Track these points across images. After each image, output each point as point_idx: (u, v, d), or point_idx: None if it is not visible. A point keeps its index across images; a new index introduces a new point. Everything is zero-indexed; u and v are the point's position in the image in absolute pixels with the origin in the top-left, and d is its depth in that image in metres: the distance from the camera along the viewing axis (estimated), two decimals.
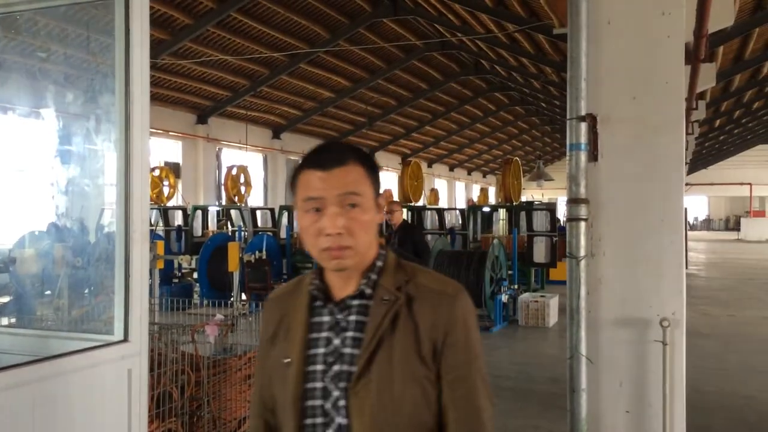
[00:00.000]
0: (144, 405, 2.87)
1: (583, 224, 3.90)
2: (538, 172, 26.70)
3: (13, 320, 3.79)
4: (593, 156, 3.91)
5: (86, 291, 3.46)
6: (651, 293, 3.80)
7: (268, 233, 13.54)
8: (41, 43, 3.96)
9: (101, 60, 3.17)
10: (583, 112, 3.88)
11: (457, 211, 14.24)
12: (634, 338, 3.83)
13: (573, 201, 3.91)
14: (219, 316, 4.28)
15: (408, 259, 3.42)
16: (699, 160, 35.92)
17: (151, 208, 15.46)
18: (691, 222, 46.55)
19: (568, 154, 3.98)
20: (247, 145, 22.13)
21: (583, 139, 3.90)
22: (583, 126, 3.89)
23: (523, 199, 15.39)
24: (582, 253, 3.89)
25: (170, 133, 19.46)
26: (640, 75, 3.86)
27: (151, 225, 14.43)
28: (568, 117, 3.98)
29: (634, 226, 3.84)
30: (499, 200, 13.68)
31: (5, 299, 4.07)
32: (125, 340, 2.79)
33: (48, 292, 4.10)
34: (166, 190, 15.79)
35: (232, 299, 8.75)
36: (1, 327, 3.22)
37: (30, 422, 2.38)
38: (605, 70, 3.90)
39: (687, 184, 28.72)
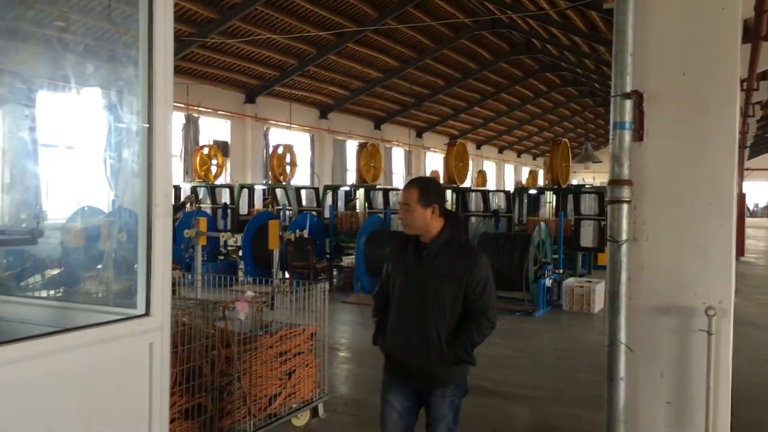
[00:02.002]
0: (165, 379, 2.87)
1: (625, 207, 3.73)
2: (586, 153, 25.99)
3: (45, 292, 3.85)
4: (638, 135, 3.72)
5: (117, 270, 3.48)
6: (697, 280, 3.61)
7: (312, 212, 13.57)
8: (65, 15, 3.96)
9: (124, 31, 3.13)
10: (628, 89, 3.69)
11: (503, 194, 13.95)
12: (678, 327, 3.66)
13: (615, 182, 3.73)
14: (249, 293, 4.27)
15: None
16: (761, 144, 34.41)
17: (199, 186, 15.70)
18: (751, 208, 44.72)
19: (611, 132, 3.80)
20: (294, 124, 22.22)
21: (628, 117, 3.71)
22: (628, 103, 3.70)
23: (573, 182, 14.99)
24: (624, 236, 3.72)
25: (219, 112, 19.67)
26: (691, 50, 3.63)
27: (198, 202, 14.68)
28: (612, 94, 3.79)
29: (680, 209, 3.65)
30: (547, 183, 13.36)
31: (40, 273, 4.14)
32: (147, 314, 2.77)
33: (83, 267, 4.15)
34: (213, 169, 15.99)
35: (272, 278, 8.82)
36: (27, 298, 3.25)
37: (48, 394, 2.39)
38: (653, 45, 3.69)
39: (747, 169, 27.52)
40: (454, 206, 12.94)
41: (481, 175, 26.11)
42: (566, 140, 13.42)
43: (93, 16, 4.40)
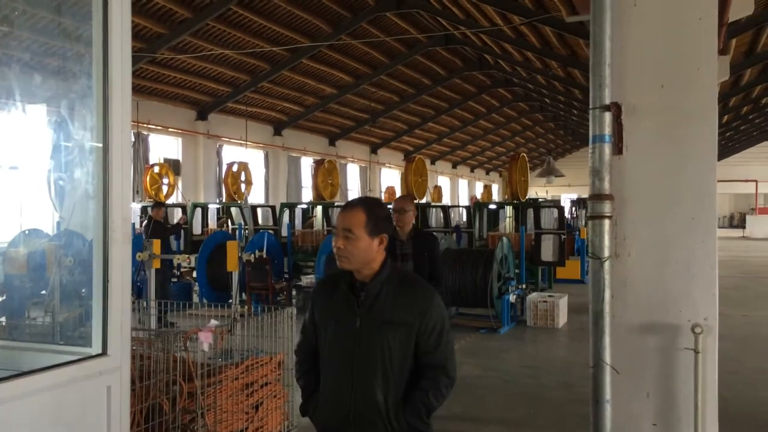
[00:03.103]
0: (125, 424, 2.58)
1: (606, 222, 3.60)
2: (549, 167, 26.28)
3: None
4: (618, 148, 3.61)
5: (64, 298, 3.18)
6: (681, 297, 3.50)
7: (269, 231, 13.23)
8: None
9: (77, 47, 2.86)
10: (607, 101, 3.58)
11: (463, 209, 13.90)
12: (663, 345, 3.53)
13: (596, 197, 3.60)
14: (213, 322, 3.98)
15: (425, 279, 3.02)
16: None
17: (149, 206, 15.15)
18: None
19: (590, 146, 3.68)
20: (247, 141, 21.82)
21: (607, 130, 3.59)
22: (607, 116, 3.59)
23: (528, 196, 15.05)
24: (606, 253, 3.58)
25: (170, 129, 19.16)
26: (669, 61, 3.55)
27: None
28: (591, 106, 3.68)
29: (662, 224, 3.54)
30: (506, 197, 13.36)
31: None
32: (104, 353, 2.49)
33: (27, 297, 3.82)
34: (165, 188, 15.49)
35: (231, 300, 8.48)
36: None
37: None
38: (630, 56, 3.59)
39: None
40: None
41: (437, 191, 26.15)
42: (524, 154, 13.47)
43: (40, 29, 4.09)
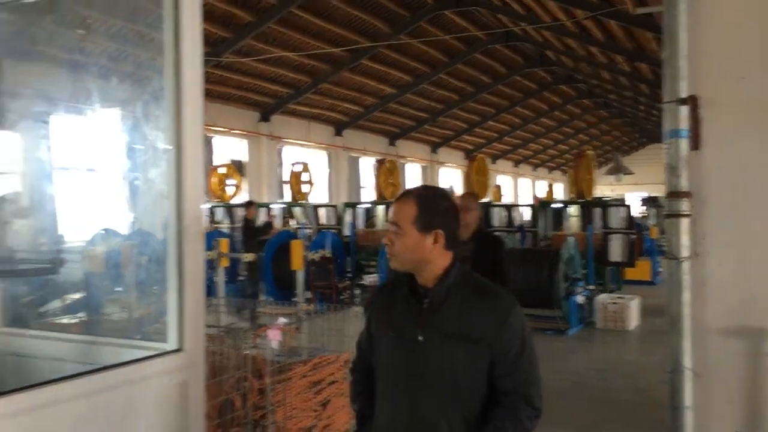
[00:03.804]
0: (200, 419, 2.63)
1: (684, 221, 3.45)
2: (617, 165, 25.47)
3: (69, 322, 3.64)
4: (695, 143, 3.45)
5: (141, 295, 3.27)
6: (766, 299, 3.33)
7: (332, 231, 13.35)
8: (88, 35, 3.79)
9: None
10: (683, 94, 3.43)
11: (526, 208, 13.68)
12: (747, 349, 3.36)
13: (673, 194, 3.46)
14: (282, 320, 4.03)
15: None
16: None
17: (216, 206, 15.55)
18: None
19: (665, 141, 3.54)
20: (309, 142, 22.07)
21: (684, 124, 3.45)
22: (683, 110, 3.44)
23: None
24: (684, 253, 3.44)
25: (234, 131, 19.58)
26: (750, 51, 3.38)
27: (216, 222, 14.51)
28: (665, 100, 3.53)
29: (744, 221, 3.37)
30: (571, 196, 13.06)
31: (58, 301, 3.93)
32: (180, 349, 2.54)
33: (108, 295, 3.95)
34: (231, 189, 15.85)
35: (296, 299, 8.59)
36: (55, 333, 3.03)
37: None
38: (707, 48, 3.44)
39: None
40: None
41: (497, 190, 25.83)
42: (590, 152, 13.15)
43: (114, 35, 4.23)
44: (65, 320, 3.85)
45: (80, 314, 3.92)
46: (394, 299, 2.18)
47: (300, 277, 8.12)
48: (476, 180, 12.90)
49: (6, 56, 3.27)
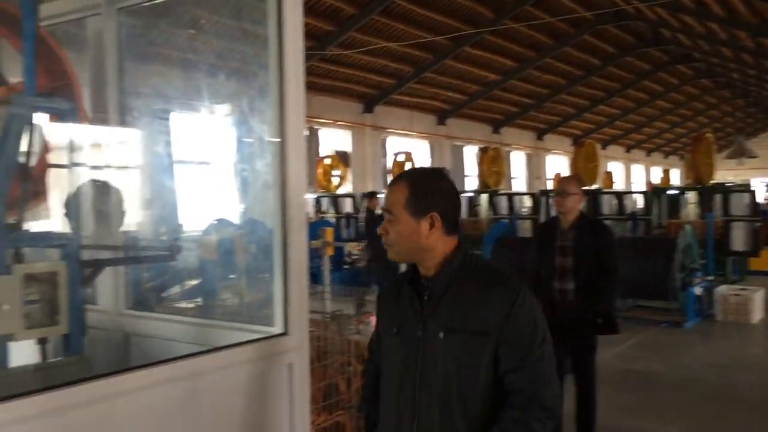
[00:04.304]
0: (306, 401, 2.72)
1: None
2: (740, 148, 23.67)
3: (186, 306, 3.87)
4: None
5: (251, 281, 3.42)
6: None
7: None
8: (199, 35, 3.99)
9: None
10: None
11: (639, 195, 13.06)
12: None
13: None
14: None
15: (587, 280, 2.80)
16: None
17: (322, 196, 15.97)
18: None
19: None
20: (412, 132, 22.14)
21: None
22: None
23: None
24: None
25: (339, 123, 19.98)
26: None
27: (322, 212, 14.90)
28: None
29: None
30: (688, 182, 12.35)
31: (175, 287, 4.17)
32: (285, 333, 2.64)
33: (220, 281, 4.15)
34: (336, 179, 16.21)
35: None
36: (173, 316, 3.24)
37: (185, 417, 2.29)
38: None
39: None
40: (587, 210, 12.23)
41: (607, 177, 24.84)
42: (710, 135, 12.36)
43: (221, 34, 4.42)
44: (182, 304, 4.10)
45: (195, 299, 4.15)
46: (402, 294, 1.99)
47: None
48: (584, 167, 12.47)
49: (128, 58, 3.49)
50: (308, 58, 16.28)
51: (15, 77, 3.02)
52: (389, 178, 18.04)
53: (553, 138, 30.40)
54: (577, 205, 4.47)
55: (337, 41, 16.22)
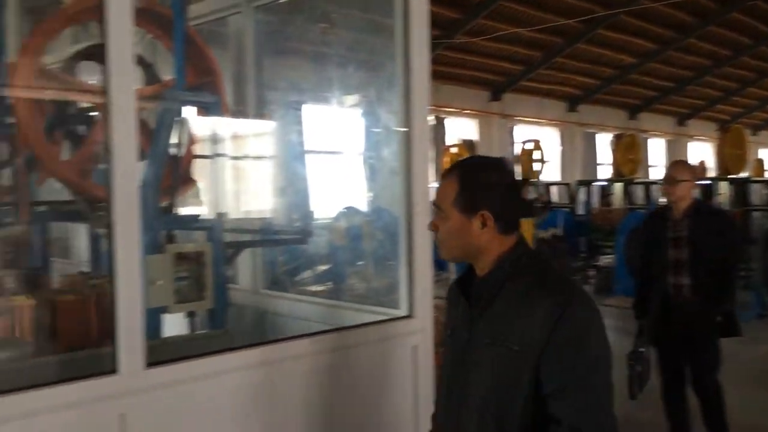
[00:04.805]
0: (429, 382, 2.79)
1: None
2: None
3: (317, 288, 4.07)
4: None
5: (378, 266, 3.54)
6: None
7: (564, 209, 12.99)
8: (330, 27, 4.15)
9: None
10: None
11: None
12: None
13: None
14: None
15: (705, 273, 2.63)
16: None
17: None
18: None
19: None
20: (541, 119, 21.60)
21: None
22: None
23: None
24: None
25: (466, 111, 19.88)
26: None
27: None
28: None
29: None
30: None
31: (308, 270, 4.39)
32: (410, 315, 2.73)
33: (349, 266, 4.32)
34: None
35: None
36: (299, 295, 3.44)
37: (320, 387, 2.44)
38: None
39: None
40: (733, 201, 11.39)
41: (759, 164, 22.90)
42: None
43: (351, 27, 4.57)
44: (314, 287, 4.32)
45: (326, 283, 4.36)
46: (460, 295, 1.79)
47: None
48: (731, 154, 11.60)
49: (265, 53, 3.72)
50: (435, 47, 16.31)
51: (167, 75, 3.31)
52: (518, 167, 17.69)
53: (697, 123, 28.44)
54: (687, 192, 4.11)
55: (464, 29, 16.12)
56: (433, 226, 1.76)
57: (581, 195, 14.34)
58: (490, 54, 18.49)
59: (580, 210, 13.27)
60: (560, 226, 10.91)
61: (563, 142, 23.11)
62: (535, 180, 15.00)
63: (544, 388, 1.56)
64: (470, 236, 1.68)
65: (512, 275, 1.65)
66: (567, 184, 15.84)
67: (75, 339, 2.50)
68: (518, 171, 15.32)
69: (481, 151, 20.24)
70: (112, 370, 1.95)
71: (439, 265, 9.51)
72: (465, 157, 1.88)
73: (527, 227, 7.95)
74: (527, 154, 14.76)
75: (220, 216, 3.07)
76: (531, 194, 11.37)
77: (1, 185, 4.05)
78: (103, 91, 2.01)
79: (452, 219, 1.69)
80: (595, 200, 14.77)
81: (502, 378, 1.61)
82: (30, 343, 2.42)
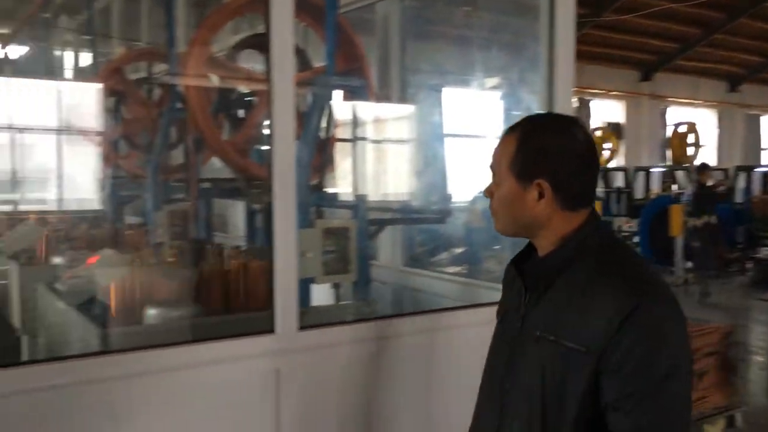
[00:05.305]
0: None
1: None
2: None
3: (452, 269, 4.16)
4: None
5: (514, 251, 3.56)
6: None
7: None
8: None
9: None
10: None
11: None
12: None
13: None
14: None
15: None
16: None
17: None
18: None
19: None
20: (697, 100, 20.16)
21: None
22: None
23: None
24: None
25: (612, 93, 19.00)
26: None
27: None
28: None
29: None
30: None
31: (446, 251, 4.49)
32: None
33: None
34: (606, 153, 15.55)
35: (674, 267, 8.13)
36: (437, 273, 3.55)
37: (448, 359, 2.54)
38: None
39: None
40: None
41: None
42: None
43: (495, 8, 4.57)
44: (450, 268, 4.42)
45: (462, 263, 4.44)
46: (516, 276, 1.52)
47: (678, 244, 7.66)
48: None
49: (409, 37, 3.83)
50: (581, 26, 15.71)
51: (317, 62, 3.53)
52: (668, 153, 16.78)
53: None
54: None
55: (614, 6, 15.37)
56: (487, 192, 1.49)
57: (740, 182, 13.30)
58: (640, 31, 17.48)
59: (739, 198, 12.32)
60: (715, 214, 10.20)
61: (721, 125, 21.44)
62: (688, 165, 14.11)
63: (603, 397, 1.29)
64: (524, 208, 1.41)
65: (575, 259, 1.39)
66: (725, 170, 14.74)
67: (237, 302, 2.78)
68: (669, 155, 14.49)
69: (630, 135, 19.30)
70: (269, 330, 2.16)
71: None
72: (534, 114, 1.55)
73: (676, 214, 7.54)
74: (680, 138, 13.90)
75: (363, 195, 3.24)
76: (710, 180, 10.53)
77: (173, 164, 4.51)
78: (265, 78, 2.21)
79: (506, 185, 1.43)
80: (756, 187, 13.65)
81: (551, 380, 1.34)
82: (198, 305, 2.71)
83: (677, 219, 7.72)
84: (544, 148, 1.39)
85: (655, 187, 15.69)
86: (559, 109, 2.79)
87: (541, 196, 1.39)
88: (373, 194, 3.61)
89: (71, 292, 2.98)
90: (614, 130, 17.55)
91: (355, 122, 3.45)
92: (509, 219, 1.45)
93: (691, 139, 14.03)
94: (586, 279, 1.34)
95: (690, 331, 3.61)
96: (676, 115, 19.79)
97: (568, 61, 2.82)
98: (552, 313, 1.37)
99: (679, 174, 14.67)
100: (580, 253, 1.38)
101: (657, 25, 17.15)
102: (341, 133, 3.55)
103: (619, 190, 14.48)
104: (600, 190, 14.70)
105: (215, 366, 2.08)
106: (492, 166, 1.47)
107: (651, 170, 15.72)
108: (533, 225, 1.43)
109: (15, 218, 4.82)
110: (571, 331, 1.32)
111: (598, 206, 8.29)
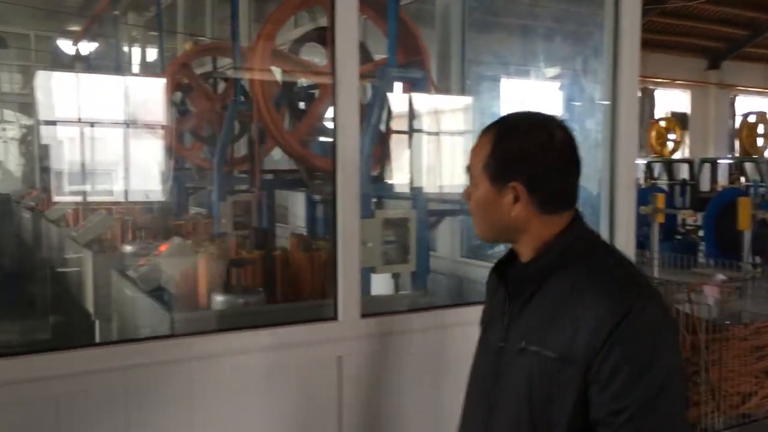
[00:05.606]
0: None
1: None
2: None
3: None
4: None
5: None
6: None
7: None
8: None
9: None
10: None
11: None
12: None
13: None
14: (720, 277, 3.83)
15: None
16: None
17: (655, 161, 15.02)
18: None
19: None
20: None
21: None
22: None
23: None
24: None
25: (677, 82, 18.40)
26: None
27: (654, 178, 14.05)
28: None
29: None
30: None
31: None
32: None
33: None
34: (670, 144, 15.09)
35: (742, 262, 7.85)
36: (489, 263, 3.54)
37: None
38: None
39: None
40: None
41: None
42: None
43: None
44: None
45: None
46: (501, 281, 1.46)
47: (747, 237, 7.39)
48: None
49: (470, 28, 3.82)
50: (645, 13, 15.23)
51: (376, 54, 3.55)
52: (736, 143, 16.04)
53: None
54: None
55: None
56: (465, 196, 1.43)
57: None
58: (708, 18, 16.86)
59: None
60: None
61: None
62: (758, 156, 13.56)
63: (591, 413, 1.23)
64: (500, 212, 1.35)
65: (559, 266, 1.32)
66: None
67: (301, 290, 2.85)
68: (738, 146, 13.96)
69: (695, 126, 18.67)
70: (332, 317, 2.22)
71: (641, 245, 9.05)
72: (511, 113, 1.43)
73: (745, 207, 7.27)
74: (749, 128, 13.34)
75: (422, 187, 3.26)
76: None
77: (236, 156, 4.63)
78: (328, 71, 2.25)
79: (481, 188, 1.37)
80: None
81: (538, 392, 1.28)
82: (263, 291, 2.79)
83: (746, 212, 7.43)
84: (518, 150, 1.33)
85: (722, 180, 15.17)
86: (625, 98, 2.75)
87: (516, 199, 1.34)
88: (431, 186, 3.62)
89: (142, 278, 3.11)
90: (679, 120, 17.00)
91: (413, 114, 3.46)
92: (486, 224, 1.40)
93: (761, 129, 13.42)
94: (572, 287, 1.28)
95: (759, 327, 3.47)
96: (746, 104, 19.02)
97: (633, 49, 2.78)
98: (536, 323, 1.31)
99: (748, 166, 14.10)
100: (564, 260, 1.32)
101: (725, 11, 16.51)
102: (399, 125, 3.57)
103: (683, 183, 14.04)
104: (664, 182, 14.30)
105: (279, 351, 2.15)
106: (468, 168, 1.41)
107: (718, 162, 15.17)
108: (512, 230, 1.37)
109: (87, 209, 5.04)
110: (556, 343, 1.26)
111: (661, 199, 8.09)
